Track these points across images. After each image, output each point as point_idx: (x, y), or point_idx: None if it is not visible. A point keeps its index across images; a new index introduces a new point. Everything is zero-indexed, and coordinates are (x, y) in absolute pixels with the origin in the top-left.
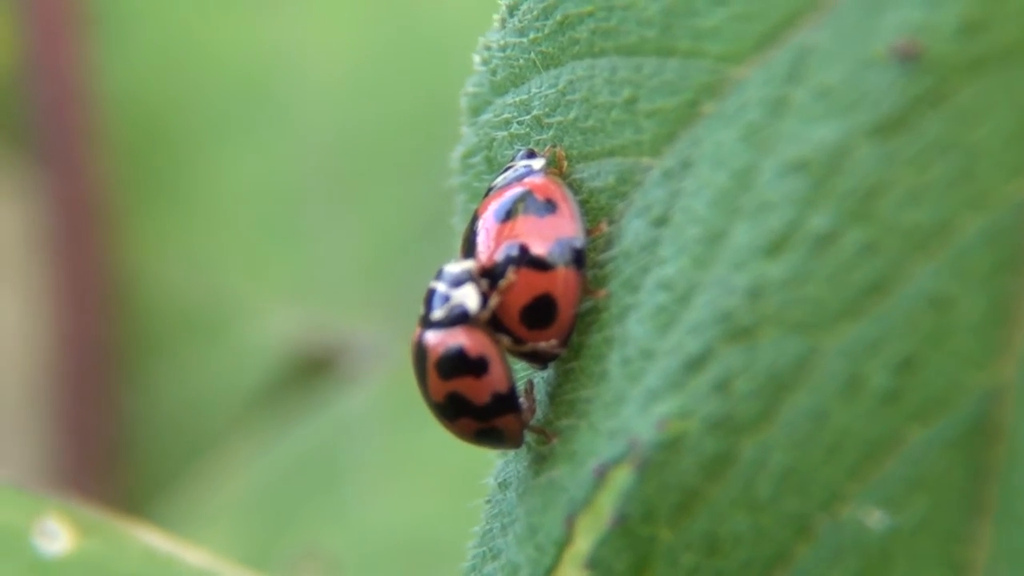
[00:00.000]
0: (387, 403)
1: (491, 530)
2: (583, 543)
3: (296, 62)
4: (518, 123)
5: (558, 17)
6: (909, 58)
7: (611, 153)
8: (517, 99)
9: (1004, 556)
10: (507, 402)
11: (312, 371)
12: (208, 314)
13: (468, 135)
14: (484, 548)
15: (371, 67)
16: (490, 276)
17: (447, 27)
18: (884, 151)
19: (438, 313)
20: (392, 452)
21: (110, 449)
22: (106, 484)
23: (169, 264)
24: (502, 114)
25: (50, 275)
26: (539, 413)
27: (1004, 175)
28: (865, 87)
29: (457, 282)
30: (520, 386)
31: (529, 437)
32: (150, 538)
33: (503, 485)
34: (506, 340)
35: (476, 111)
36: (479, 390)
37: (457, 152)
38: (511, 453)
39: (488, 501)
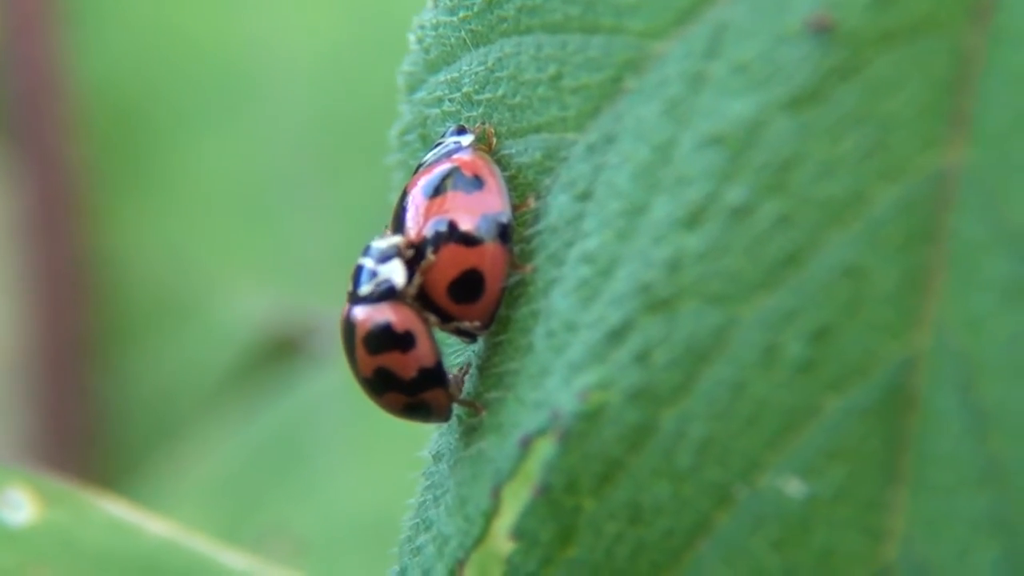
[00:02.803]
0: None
1: (424, 502)
2: (510, 514)
3: (269, 48)
4: (449, 100)
5: None
6: (822, 31)
7: (537, 129)
8: (449, 77)
9: (920, 523)
10: (434, 376)
11: (283, 353)
12: (181, 297)
13: (404, 113)
14: (418, 520)
15: (344, 52)
16: (418, 251)
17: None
18: (798, 124)
19: (365, 289)
20: (359, 432)
21: (84, 431)
22: (79, 466)
23: (144, 249)
24: (435, 92)
25: (26, 260)
26: (469, 386)
27: (917, 146)
28: (779, 61)
29: (384, 258)
30: (455, 361)
31: (460, 410)
32: (115, 508)
33: (436, 457)
34: (433, 318)
35: (411, 89)
36: (406, 365)
37: (394, 130)
38: (445, 426)
39: (423, 474)
